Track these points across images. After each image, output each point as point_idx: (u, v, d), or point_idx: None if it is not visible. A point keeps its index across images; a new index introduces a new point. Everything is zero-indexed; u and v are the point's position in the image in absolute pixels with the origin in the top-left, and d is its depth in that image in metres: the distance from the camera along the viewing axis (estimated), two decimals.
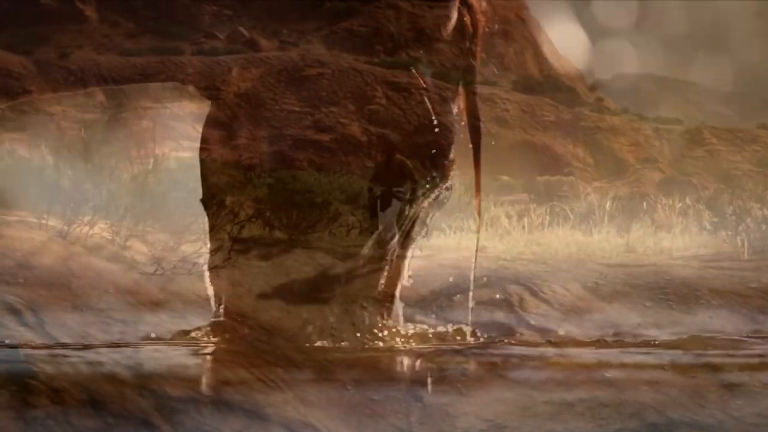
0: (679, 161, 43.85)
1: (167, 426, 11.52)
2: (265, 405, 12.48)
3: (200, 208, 17.27)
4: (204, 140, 41.15)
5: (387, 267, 18.15)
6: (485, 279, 18.11)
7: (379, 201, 19.54)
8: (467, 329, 16.65)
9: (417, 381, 13.95)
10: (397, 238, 18.01)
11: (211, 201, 17.53)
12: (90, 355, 13.43)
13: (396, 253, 18.30)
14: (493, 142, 42.26)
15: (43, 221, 16.54)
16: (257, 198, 19.38)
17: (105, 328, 14.51)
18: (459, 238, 22.94)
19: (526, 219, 24.04)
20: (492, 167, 38.40)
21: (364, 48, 45.25)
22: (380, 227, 18.44)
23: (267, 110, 40.88)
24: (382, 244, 18.10)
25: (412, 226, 19.14)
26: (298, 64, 42.47)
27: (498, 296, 17.32)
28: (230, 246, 17.05)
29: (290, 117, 40.56)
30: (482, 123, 42.02)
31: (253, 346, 14.74)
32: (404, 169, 20.28)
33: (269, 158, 37.16)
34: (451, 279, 17.49)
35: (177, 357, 13.93)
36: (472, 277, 17.16)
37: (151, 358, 13.66)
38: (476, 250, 19.67)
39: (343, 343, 15.52)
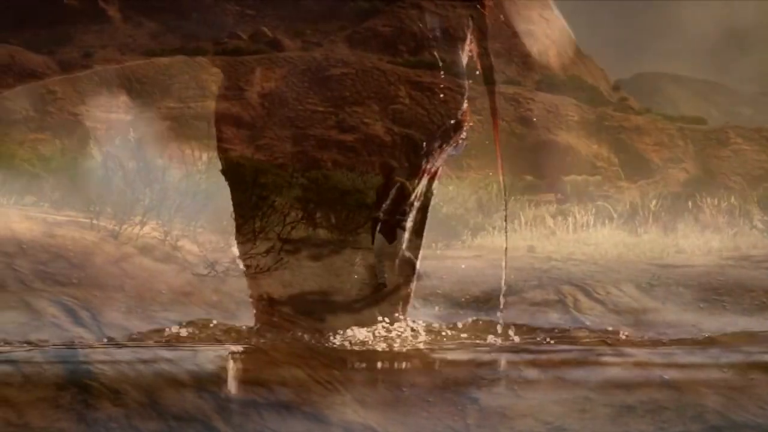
0: (705, 161, 43.68)
1: (228, 429, 11.40)
2: (323, 407, 12.34)
3: (251, 209, 17.20)
4: (227, 140, 41.02)
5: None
6: (538, 280, 17.93)
7: (382, 232, 18.38)
8: (513, 329, 16.45)
9: (472, 383, 13.79)
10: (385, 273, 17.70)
11: (260, 202, 17.50)
12: (148, 356, 13.31)
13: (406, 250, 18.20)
14: (517, 142, 42.21)
15: (95, 221, 16.48)
16: (306, 198, 19.37)
17: (160, 329, 14.36)
18: (511, 236, 22.80)
19: (570, 219, 23.93)
20: (516, 167, 38.32)
21: (387, 48, 45.38)
22: (378, 261, 17.90)
23: (291, 110, 41.09)
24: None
25: (424, 212, 18.97)
26: (322, 64, 42.71)
27: (552, 297, 17.08)
28: (280, 247, 16.98)
29: (314, 117, 40.75)
30: (502, 121, 41.97)
31: (307, 347, 14.61)
32: (403, 192, 18.30)
33: (293, 158, 36.89)
34: (500, 280, 17.23)
35: (233, 358, 13.81)
36: (503, 275, 17.00)
37: (209, 359, 13.53)
38: (505, 231, 19.67)
39: (394, 345, 15.37)
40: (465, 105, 24.74)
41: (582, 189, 35.70)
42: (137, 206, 16.68)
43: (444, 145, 20.48)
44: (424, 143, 20.78)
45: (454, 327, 15.77)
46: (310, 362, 14.02)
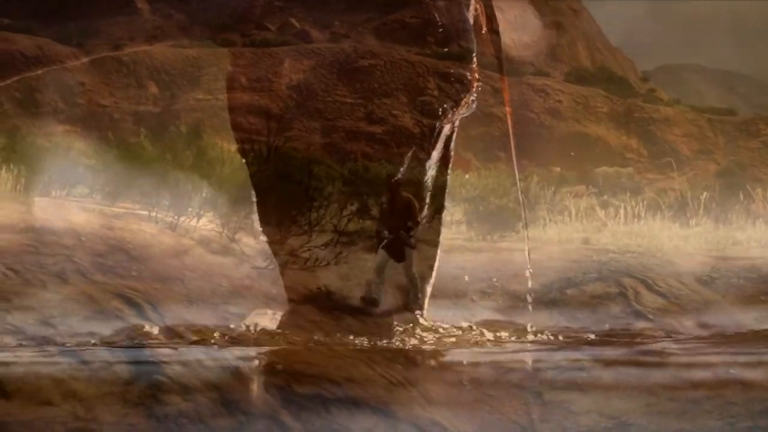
0: (735, 152, 43.45)
1: (298, 424, 11.32)
2: (390, 402, 12.25)
3: (306, 200, 17.07)
4: (256, 132, 41.04)
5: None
6: (597, 272, 17.77)
7: (388, 250, 17.64)
8: (574, 323, 16.26)
9: (534, 378, 13.68)
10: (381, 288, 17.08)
11: (315, 193, 17.36)
12: (213, 351, 13.25)
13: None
14: (546, 134, 42.06)
15: (153, 213, 16.38)
16: (359, 191, 19.19)
17: (222, 323, 14.28)
18: (557, 229, 22.62)
19: (621, 210, 23.71)
20: (546, 158, 38.18)
21: (415, 39, 45.18)
22: (375, 275, 17.31)
23: (319, 102, 40.90)
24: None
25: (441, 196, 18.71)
26: (350, 55, 42.51)
27: (613, 290, 16.90)
28: (337, 239, 16.88)
29: (342, 109, 40.55)
30: (531, 113, 41.79)
31: (370, 342, 14.53)
32: (410, 208, 17.80)
33: (323, 149, 36.93)
34: (561, 272, 17.05)
35: (298, 353, 13.73)
36: (528, 265, 16.76)
37: (273, 354, 13.47)
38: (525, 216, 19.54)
39: (451, 339, 15.26)
40: (474, 63, 24.91)
41: (614, 180, 35.55)
42: (194, 198, 16.64)
43: (455, 108, 20.46)
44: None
45: (513, 321, 15.70)
46: (374, 357, 13.97)
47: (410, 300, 17.11)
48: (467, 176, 29.06)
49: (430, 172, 20.80)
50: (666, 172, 41.08)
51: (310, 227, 17.03)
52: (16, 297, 13.93)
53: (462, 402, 12.76)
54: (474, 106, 20.64)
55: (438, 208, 18.77)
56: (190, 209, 16.26)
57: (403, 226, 17.35)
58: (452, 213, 20.92)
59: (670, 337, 15.42)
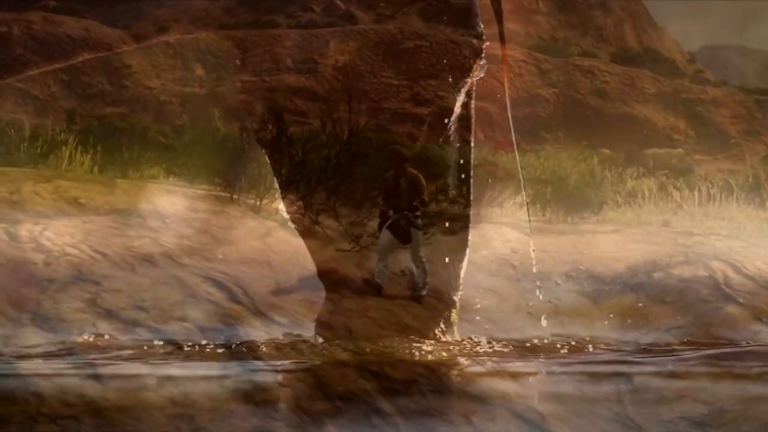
0: None
1: (393, 409, 11.24)
2: (485, 389, 12.17)
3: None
4: (302, 113, 40.94)
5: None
6: (684, 255, 17.52)
7: (393, 230, 16.49)
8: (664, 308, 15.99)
9: (625, 364, 13.54)
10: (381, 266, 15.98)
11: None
12: (307, 335, 13.20)
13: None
14: (593, 115, 41.79)
15: (235, 196, 16.30)
16: (438, 172, 18.98)
17: (312, 306, 14.17)
18: (637, 211, 22.36)
19: (696, 192, 23.43)
20: (593, 140, 37.93)
21: (460, 20, 44.95)
22: (379, 258, 16.20)
23: (365, 83, 40.78)
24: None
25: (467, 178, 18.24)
26: (396, 36, 42.34)
27: (701, 273, 16.64)
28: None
29: (388, 90, 40.42)
30: (578, 94, 41.50)
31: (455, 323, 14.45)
32: (416, 185, 16.70)
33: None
34: (646, 255, 16.81)
35: (389, 338, 13.67)
36: (532, 252, 16.45)
37: (367, 338, 13.40)
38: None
39: (542, 321, 15.11)
40: (480, 27, 24.85)
41: (665, 162, 35.28)
42: (276, 180, 16.56)
43: (467, 74, 20.28)
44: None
45: (600, 305, 15.55)
46: (462, 342, 13.87)
47: (416, 285, 16.13)
48: (526, 157, 28.87)
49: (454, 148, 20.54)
50: (714, 153, 40.82)
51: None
52: (105, 280, 13.89)
53: (550, 387, 12.67)
54: (486, 67, 20.62)
55: (461, 186, 18.28)
56: (271, 192, 16.18)
57: (409, 206, 16.41)
58: (518, 194, 20.61)
59: (761, 320, 15.26)
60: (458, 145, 23.25)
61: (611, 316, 14.99)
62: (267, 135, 17.31)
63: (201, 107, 37.12)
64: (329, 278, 14.84)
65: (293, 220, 16.48)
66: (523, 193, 19.10)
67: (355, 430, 11.18)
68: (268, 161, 16.48)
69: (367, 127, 21.81)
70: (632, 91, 42.04)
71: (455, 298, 15.24)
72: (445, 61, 42.99)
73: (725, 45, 68.38)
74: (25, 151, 20.00)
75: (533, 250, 16.53)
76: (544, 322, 14.61)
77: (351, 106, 29.19)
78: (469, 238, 16.43)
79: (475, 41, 38.29)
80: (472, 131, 21.93)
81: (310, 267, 15.03)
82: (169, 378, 11.71)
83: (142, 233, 15.07)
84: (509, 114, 23.75)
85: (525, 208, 19.96)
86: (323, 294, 14.40)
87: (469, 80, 21.73)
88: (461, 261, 15.87)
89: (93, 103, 37.43)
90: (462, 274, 15.79)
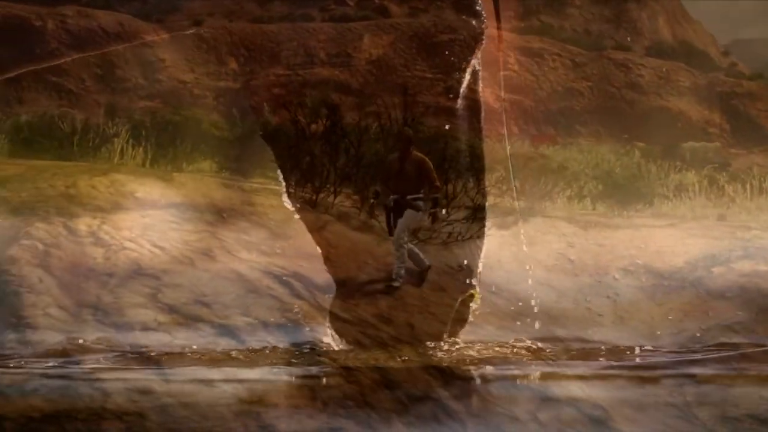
0: None
1: (460, 407, 11.19)
2: (549, 383, 12.09)
3: (441, 174, 16.70)
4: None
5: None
6: (743, 250, 17.31)
7: (391, 213, 15.13)
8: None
9: (687, 360, 13.42)
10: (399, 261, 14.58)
11: (450, 167, 17.03)
12: (370, 331, 13.11)
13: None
14: (627, 108, 41.63)
15: (291, 189, 16.18)
16: (488, 165, 18.82)
17: (372, 302, 14.07)
18: (690, 204, 22.18)
19: (748, 185, 23.19)
20: (628, 133, 37.78)
21: (494, 13, 44.78)
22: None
23: (399, 77, 40.75)
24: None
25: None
26: (430, 30, 42.32)
27: (762, 268, 16.43)
28: (473, 215, 16.60)
29: (422, 83, 40.38)
30: (612, 87, 41.35)
31: (514, 320, 14.32)
32: (423, 171, 15.26)
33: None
34: (704, 249, 16.60)
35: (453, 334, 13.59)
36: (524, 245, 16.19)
37: (430, 334, 13.31)
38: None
39: (600, 316, 14.97)
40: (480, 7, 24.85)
41: (701, 155, 35.09)
42: (331, 174, 16.45)
43: (470, 57, 20.12)
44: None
45: (659, 301, 15.36)
46: (520, 337, 13.77)
47: (393, 273, 14.68)
48: (567, 151, 28.70)
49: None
50: (749, 147, 40.60)
51: (448, 202, 16.73)
52: (165, 275, 13.81)
53: (616, 386, 12.58)
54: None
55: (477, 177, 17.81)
56: (327, 186, 16.10)
57: (413, 190, 14.91)
58: (569, 187, 20.44)
59: None
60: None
61: (672, 311, 14.82)
62: (320, 127, 17.20)
63: (235, 99, 37.24)
64: (388, 273, 14.77)
65: (349, 215, 16.40)
66: (556, 186, 18.78)
67: (423, 428, 11.12)
68: (323, 154, 16.40)
69: (418, 120, 21.68)
70: (667, 85, 41.88)
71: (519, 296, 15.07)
72: (478, 53, 43.02)
73: (756, 38, 68.04)
74: (78, 144, 20.01)
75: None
76: (603, 318, 14.50)
77: (406, 100, 29.18)
78: (522, 231, 16.30)
79: (474, 22, 38.33)
80: (481, 119, 21.45)
81: (369, 261, 14.92)
82: (235, 375, 11.68)
83: (200, 227, 15.00)
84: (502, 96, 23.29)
85: (577, 201, 19.87)
86: (383, 289, 14.32)
87: (473, 60, 21.42)
88: (520, 257, 15.73)
89: (128, 97, 37.59)
90: (528, 272, 15.61)
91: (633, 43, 44.31)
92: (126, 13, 40.60)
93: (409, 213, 14.79)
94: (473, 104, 26.34)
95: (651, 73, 41.91)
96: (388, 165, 15.48)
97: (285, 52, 40.00)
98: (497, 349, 13.47)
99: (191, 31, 39.72)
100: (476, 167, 18.13)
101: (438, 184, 15.03)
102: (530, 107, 40.33)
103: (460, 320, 14.05)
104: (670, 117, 40.42)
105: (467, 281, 14.87)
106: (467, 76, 26.64)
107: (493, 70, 41.02)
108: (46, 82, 38.12)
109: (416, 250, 14.97)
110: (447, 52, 39.80)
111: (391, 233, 14.83)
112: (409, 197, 14.83)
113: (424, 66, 40.60)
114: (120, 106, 34.27)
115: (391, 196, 14.95)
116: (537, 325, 14.10)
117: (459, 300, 14.33)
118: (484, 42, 27.91)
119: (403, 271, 14.54)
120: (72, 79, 38.55)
